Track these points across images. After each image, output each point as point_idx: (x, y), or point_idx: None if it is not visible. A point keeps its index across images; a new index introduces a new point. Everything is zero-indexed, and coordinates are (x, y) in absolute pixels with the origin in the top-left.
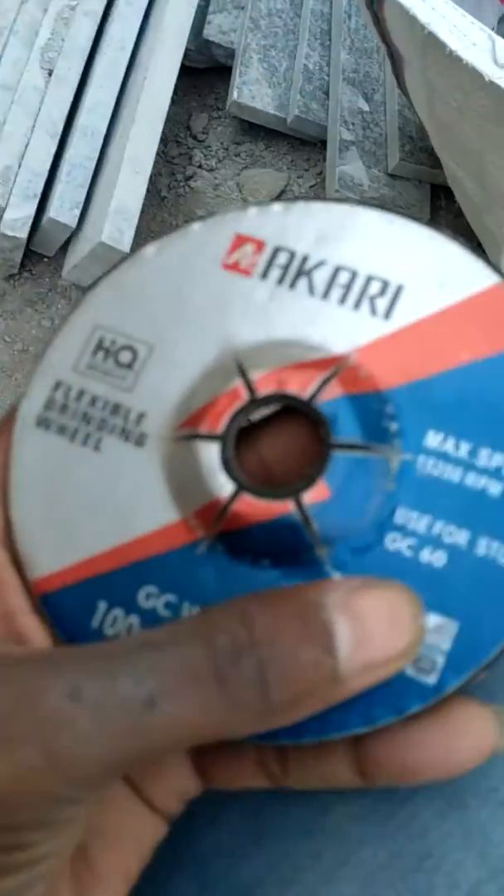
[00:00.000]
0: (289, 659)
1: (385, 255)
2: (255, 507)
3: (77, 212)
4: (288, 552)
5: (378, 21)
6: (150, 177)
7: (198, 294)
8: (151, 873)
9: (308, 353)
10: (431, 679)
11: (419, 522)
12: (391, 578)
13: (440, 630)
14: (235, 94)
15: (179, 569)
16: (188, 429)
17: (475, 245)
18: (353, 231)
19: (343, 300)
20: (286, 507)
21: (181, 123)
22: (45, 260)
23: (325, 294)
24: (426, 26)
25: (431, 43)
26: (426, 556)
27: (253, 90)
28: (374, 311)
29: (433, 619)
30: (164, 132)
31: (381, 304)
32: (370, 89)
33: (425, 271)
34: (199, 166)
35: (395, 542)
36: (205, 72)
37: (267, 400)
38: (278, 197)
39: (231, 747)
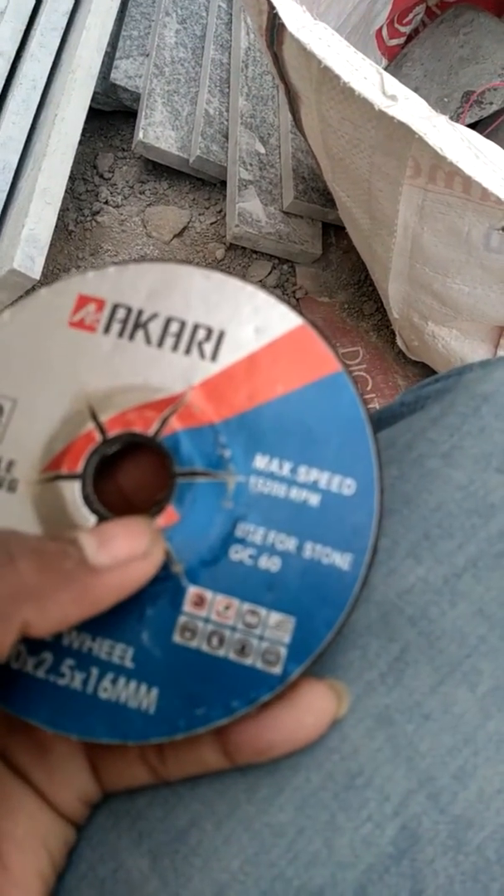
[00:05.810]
0: (39, 552)
1: (207, 306)
2: None
3: None
4: None
5: (277, 60)
6: (58, 212)
7: (50, 351)
8: (90, 834)
9: (150, 395)
10: (276, 670)
11: (256, 534)
12: (232, 580)
13: (280, 626)
14: (141, 135)
15: None
16: (52, 471)
17: (365, 276)
18: (178, 286)
19: (175, 347)
20: None
21: (88, 163)
22: None
23: (160, 343)
24: (322, 60)
25: (326, 78)
26: (264, 562)
27: (157, 132)
28: (202, 354)
29: (274, 617)
30: (71, 171)
31: (208, 348)
32: (266, 133)
33: (242, 318)
34: (106, 202)
35: (238, 553)
36: (111, 114)
37: (117, 439)
38: (181, 233)
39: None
